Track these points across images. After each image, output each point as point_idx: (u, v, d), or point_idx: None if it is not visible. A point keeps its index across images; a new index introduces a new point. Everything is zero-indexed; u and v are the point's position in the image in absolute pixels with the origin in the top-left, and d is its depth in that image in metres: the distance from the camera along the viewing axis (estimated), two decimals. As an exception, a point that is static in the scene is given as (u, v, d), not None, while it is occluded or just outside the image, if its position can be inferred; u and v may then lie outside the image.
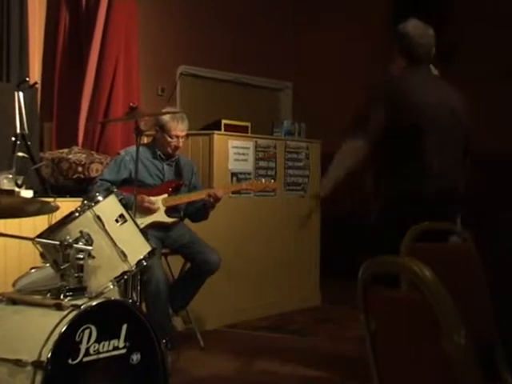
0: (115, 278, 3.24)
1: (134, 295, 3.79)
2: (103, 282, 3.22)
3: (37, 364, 2.76)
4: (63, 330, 2.82)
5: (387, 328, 1.54)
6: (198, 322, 5.07)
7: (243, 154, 5.90)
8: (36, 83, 5.21)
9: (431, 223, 2.63)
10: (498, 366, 2.34)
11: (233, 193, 5.50)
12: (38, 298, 3.16)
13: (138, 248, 3.35)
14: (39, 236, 3.20)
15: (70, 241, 3.08)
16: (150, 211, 4.57)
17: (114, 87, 5.81)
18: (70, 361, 2.85)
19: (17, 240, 3.94)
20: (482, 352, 2.31)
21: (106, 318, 3.00)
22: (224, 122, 5.86)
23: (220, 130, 5.78)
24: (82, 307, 2.92)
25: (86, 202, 3.29)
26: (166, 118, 4.70)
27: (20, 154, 4.64)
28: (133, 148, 4.41)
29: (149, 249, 3.40)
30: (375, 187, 3.69)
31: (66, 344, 2.83)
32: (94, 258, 3.16)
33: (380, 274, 1.51)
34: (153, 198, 4.61)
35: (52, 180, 5.15)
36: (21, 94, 4.80)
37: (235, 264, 5.66)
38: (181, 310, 4.86)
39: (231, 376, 4.38)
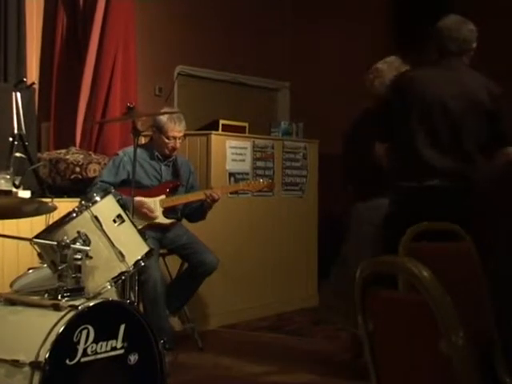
0: (113, 278, 3.25)
1: (132, 296, 3.78)
2: (101, 282, 3.22)
3: (34, 364, 2.76)
4: (61, 330, 2.82)
5: (385, 328, 1.53)
6: (196, 322, 5.06)
7: (241, 155, 5.89)
8: (33, 83, 5.19)
9: (431, 223, 2.62)
10: (497, 366, 2.34)
11: (230, 193, 5.50)
12: (35, 298, 3.16)
13: (135, 248, 3.35)
14: (37, 236, 3.20)
15: (68, 241, 3.08)
16: (147, 217, 4.57)
17: (111, 87, 5.80)
18: (67, 361, 2.86)
19: (14, 240, 3.94)
20: (481, 352, 2.31)
21: (103, 318, 3.00)
22: (222, 122, 5.85)
23: (218, 130, 5.78)
24: (80, 308, 2.92)
25: (83, 202, 3.29)
26: (163, 119, 4.69)
27: (17, 154, 4.62)
28: (131, 149, 4.40)
29: (146, 249, 3.39)
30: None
31: (63, 344, 2.83)
32: (91, 258, 3.15)
33: (378, 275, 1.51)
34: (151, 200, 4.60)
35: (50, 180, 5.14)
36: (18, 94, 4.78)
37: (233, 264, 5.66)
38: (177, 312, 4.85)
39: (229, 376, 4.38)
